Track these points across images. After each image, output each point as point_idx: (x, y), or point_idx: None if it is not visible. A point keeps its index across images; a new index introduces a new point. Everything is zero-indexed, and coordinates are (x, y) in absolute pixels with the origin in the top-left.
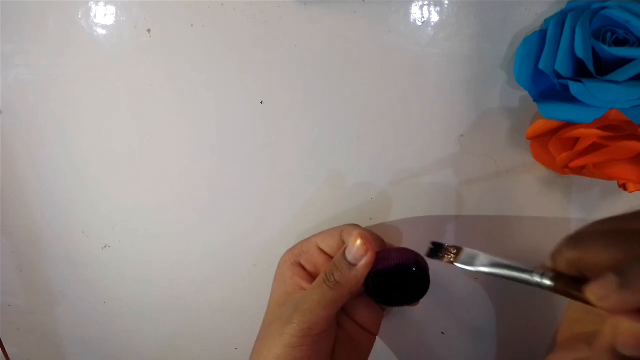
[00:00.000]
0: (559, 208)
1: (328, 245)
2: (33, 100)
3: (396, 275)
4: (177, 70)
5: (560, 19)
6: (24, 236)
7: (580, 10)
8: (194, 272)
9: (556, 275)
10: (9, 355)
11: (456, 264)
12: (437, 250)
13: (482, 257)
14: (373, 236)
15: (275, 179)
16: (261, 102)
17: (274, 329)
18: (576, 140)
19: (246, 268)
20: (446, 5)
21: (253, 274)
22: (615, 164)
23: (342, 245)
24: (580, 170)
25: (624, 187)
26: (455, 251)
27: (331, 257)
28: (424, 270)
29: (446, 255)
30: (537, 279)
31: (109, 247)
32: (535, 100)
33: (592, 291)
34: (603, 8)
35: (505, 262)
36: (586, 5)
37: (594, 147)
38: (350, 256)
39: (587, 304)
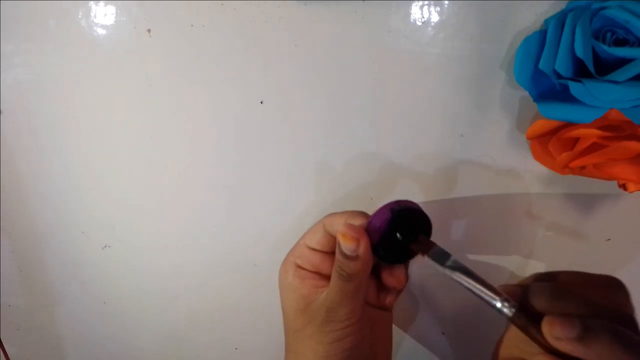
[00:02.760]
0: (559, 208)
1: (315, 241)
2: (33, 100)
3: (394, 230)
4: (177, 71)
5: (560, 19)
6: (24, 236)
7: (580, 10)
8: (194, 272)
9: (519, 309)
10: (9, 355)
11: (426, 257)
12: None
13: (453, 260)
14: (354, 220)
15: (275, 179)
16: (261, 102)
17: (310, 332)
18: (576, 140)
19: (246, 268)
20: (446, 5)
21: (253, 275)
22: (615, 164)
23: (328, 237)
24: (580, 170)
25: (624, 187)
26: (427, 244)
27: (323, 252)
28: (408, 208)
29: (418, 244)
30: (499, 305)
31: (109, 247)
32: (535, 100)
33: (551, 327)
34: (603, 8)
35: (474, 274)
36: (586, 5)
37: (594, 147)
38: (347, 251)
39: (537, 340)
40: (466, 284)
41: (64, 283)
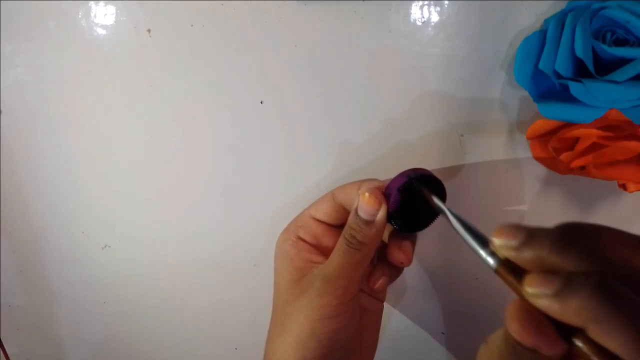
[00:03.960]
0: (559, 208)
1: (322, 212)
2: (33, 100)
3: (409, 198)
4: (177, 70)
5: (560, 19)
6: (24, 236)
7: (580, 10)
8: (193, 272)
9: (503, 261)
10: (9, 355)
11: (432, 196)
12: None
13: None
14: (377, 186)
15: (275, 179)
16: (261, 102)
17: (300, 305)
18: (576, 140)
19: (246, 268)
20: (446, 5)
21: (253, 274)
22: (615, 164)
23: (336, 208)
24: (580, 170)
25: (624, 187)
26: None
27: (327, 225)
28: (425, 176)
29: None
30: (484, 254)
31: (109, 247)
32: (535, 100)
33: (530, 283)
34: (603, 8)
35: (469, 223)
36: (586, 5)
37: (594, 147)
38: (364, 214)
39: (519, 294)
40: (459, 231)
41: (64, 283)
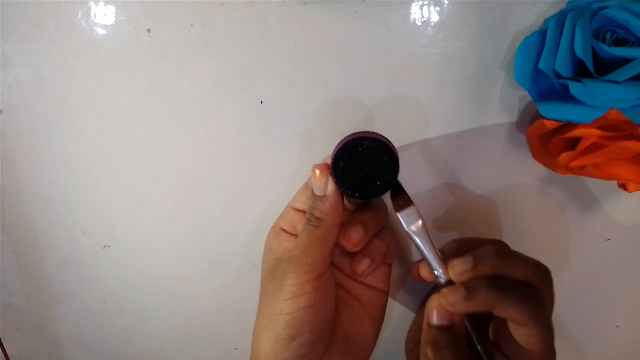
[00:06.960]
0: (559, 208)
1: (300, 202)
2: (33, 100)
3: (356, 162)
4: (177, 70)
5: (560, 19)
6: (24, 236)
7: (580, 10)
8: (193, 272)
9: (449, 282)
10: (9, 355)
11: (398, 213)
12: (396, 189)
13: (419, 225)
14: (326, 161)
15: (276, 179)
16: (261, 102)
17: (271, 289)
18: (576, 140)
19: (246, 268)
20: (446, 5)
21: (253, 274)
22: (615, 164)
23: (309, 195)
24: (580, 170)
25: (624, 187)
26: (403, 202)
27: (305, 213)
28: (373, 139)
29: (397, 199)
30: (437, 273)
31: (109, 247)
32: (535, 100)
33: (452, 269)
34: (603, 8)
35: (429, 245)
36: (586, 5)
37: (594, 147)
38: (316, 190)
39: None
40: (422, 249)
41: (64, 283)
